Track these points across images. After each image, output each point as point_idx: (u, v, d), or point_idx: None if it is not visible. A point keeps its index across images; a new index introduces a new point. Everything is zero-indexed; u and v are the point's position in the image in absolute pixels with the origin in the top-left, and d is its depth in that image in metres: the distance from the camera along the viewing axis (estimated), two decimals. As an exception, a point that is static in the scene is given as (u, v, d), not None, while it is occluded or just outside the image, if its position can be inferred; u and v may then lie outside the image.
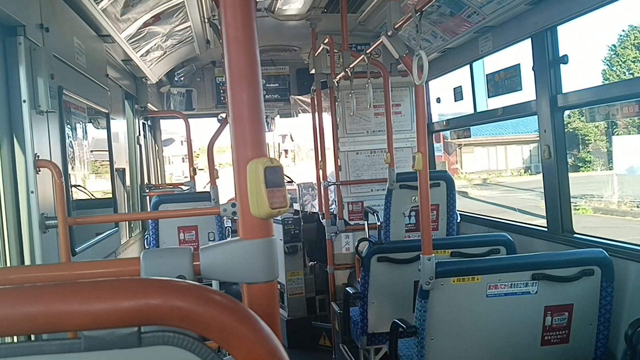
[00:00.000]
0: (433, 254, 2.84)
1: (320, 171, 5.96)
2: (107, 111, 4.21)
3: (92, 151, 3.85)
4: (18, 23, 2.59)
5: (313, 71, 5.95)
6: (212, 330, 0.72)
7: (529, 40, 3.91)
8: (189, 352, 0.74)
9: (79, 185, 3.52)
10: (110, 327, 0.72)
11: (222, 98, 7.44)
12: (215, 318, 0.72)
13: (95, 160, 4.05)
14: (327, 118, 6.13)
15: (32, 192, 2.63)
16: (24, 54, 2.62)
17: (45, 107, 2.73)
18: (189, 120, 6.57)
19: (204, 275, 1.01)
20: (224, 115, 6.20)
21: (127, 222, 5.26)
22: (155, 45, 5.09)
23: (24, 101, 2.62)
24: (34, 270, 1.36)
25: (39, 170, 2.67)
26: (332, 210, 6.01)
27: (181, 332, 0.75)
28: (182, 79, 7.12)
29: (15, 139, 2.61)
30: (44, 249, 2.67)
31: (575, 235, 3.72)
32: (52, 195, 2.84)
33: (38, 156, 2.67)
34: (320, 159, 5.91)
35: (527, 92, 4.15)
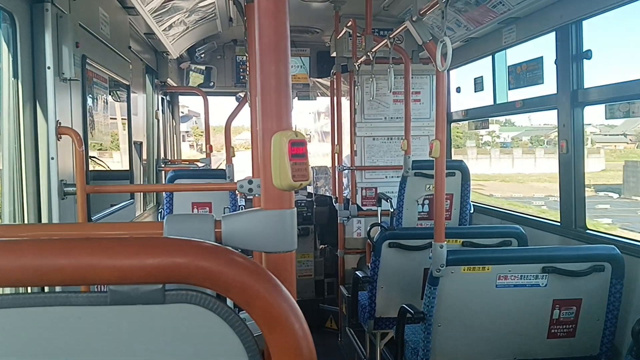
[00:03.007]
0: (445, 242, 2.85)
1: (336, 155, 5.97)
2: (127, 83, 4.24)
3: (111, 120, 3.88)
4: None
5: (334, 54, 5.92)
6: (233, 290, 0.74)
7: (553, 33, 3.88)
8: (209, 310, 0.77)
9: (94, 157, 3.56)
10: (136, 282, 0.74)
11: (241, 77, 7.44)
12: (237, 279, 0.74)
13: (114, 132, 4.08)
14: (345, 102, 6.12)
15: (52, 158, 2.66)
16: (50, 21, 2.64)
17: (69, 74, 2.76)
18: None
19: (225, 242, 1.03)
20: (242, 94, 6.20)
21: (141, 196, 5.31)
22: (178, 20, 5.10)
23: (49, 68, 2.64)
24: (58, 229, 1.39)
25: (60, 137, 2.71)
26: (345, 195, 6.02)
27: (201, 291, 0.78)
28: (202, 55, 7.12)
29: (38, 105, 2.64)
30: (61, 215, 2.72)
31: (587, 231, 3.71)
32: (71, 163, 2.88)
33: (60, 123, 2.70)
34: (336, 142, 5.91)
35: (547, 85, 4.12)
